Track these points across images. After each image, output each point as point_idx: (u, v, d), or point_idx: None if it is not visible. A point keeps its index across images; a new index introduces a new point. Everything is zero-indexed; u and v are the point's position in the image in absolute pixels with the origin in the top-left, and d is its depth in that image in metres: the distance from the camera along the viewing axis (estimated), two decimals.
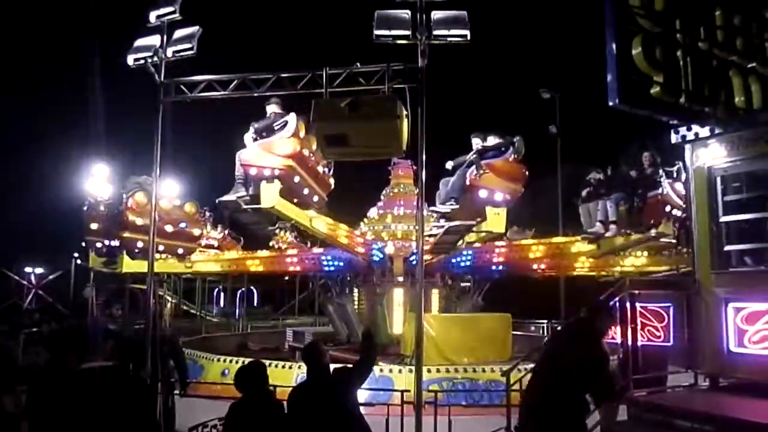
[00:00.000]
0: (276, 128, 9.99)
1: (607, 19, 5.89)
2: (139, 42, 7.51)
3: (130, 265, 13.34)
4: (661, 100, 6.03)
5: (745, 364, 5.81)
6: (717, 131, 6.33)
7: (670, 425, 5.51)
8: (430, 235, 12.82)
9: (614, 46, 5.81)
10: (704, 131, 6.39)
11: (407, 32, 6.47)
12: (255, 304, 43.90)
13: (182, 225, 12.70)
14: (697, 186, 6.51)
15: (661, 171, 11.54)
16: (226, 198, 10.62)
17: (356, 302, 17.27)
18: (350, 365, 4.77)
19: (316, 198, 11.66)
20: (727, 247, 6.29)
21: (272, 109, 10.18)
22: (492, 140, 11.17)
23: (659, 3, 6.18)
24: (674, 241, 12.20)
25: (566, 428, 4.64)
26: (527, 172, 11.16)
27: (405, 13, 6.50)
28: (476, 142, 11.20)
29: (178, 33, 7.48)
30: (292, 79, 7.52)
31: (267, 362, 12.64)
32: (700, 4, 6.59)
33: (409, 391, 7.70)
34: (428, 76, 6.46)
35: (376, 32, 6.49)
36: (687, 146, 6.60)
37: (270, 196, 9.95)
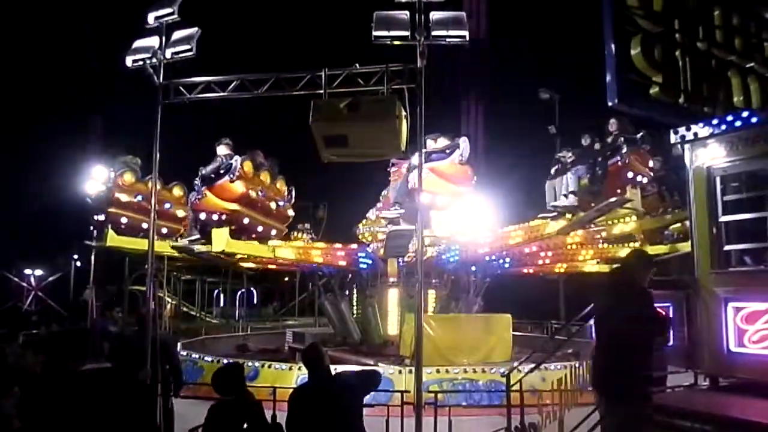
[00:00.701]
0: (222, 172, 10.26)
1: (605, 20, 5.89)
2: (138, 43, 7.49)
3: (114, 240, 13.31)
4: (660, 100, 6.04)
5: (745, 364, 5.80)
6: (716, 131, 6.33)
7: (670, 425, 5.51)
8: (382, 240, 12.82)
9: (613, 46, 5.82)
10: (703, 131, 6.39)
11: (406, 33, 6.46)
12: (255, 305, 43.86)
13: (167, 206, 12.76)
14: (697, 186, 6.50)
15: (621, 138, 11.38)
16: (179, 243, 11.11)
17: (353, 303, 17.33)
18: (354, 371, 4.75)
19: (274, 232, 12.14)
20: (727, 247, 6.29)
21: (221, 150, 10.42)
22: (441, 142, 11.04)
23: (658, 3, 6.19)
24: (641, 209, 11.92)
25: (632, 390, 4.78)
26: (473, 174, 11.01)
27: (404, 14, 6.50)
28: (428, 144, 11.09)
29: (177, 34, 7.47)
30: (291, 80, 7.51)
31: (267, 363, 12.73)
32: (698, 4, 6.60)
33: (408, 391, 7.71)
34: (427, 76, 6.47)
35: (375, 33, 6.49)
36: (686, 146, 6.60)
37: (220, 241, 10.35)
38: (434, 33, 6.47)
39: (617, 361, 4.88)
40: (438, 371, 11.85)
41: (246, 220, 10.89)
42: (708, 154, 6.42)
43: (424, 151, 10.89)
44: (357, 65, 7.31)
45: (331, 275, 17.65)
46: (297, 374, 11.52)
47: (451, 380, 11.66)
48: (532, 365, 8.14)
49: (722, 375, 6.21)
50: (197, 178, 10.40)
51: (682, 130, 6.56)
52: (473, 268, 16.65)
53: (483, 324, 14.81)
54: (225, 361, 13.57)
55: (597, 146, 11.97)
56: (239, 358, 14.18)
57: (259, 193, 11.08)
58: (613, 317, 4.96)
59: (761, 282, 5.89)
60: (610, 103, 5.84)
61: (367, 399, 4.79)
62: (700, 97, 6.34)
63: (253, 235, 11.70)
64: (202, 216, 10.61)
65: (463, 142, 10.78)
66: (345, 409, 4.44)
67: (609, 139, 11.66)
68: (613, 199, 11.27)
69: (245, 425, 4.42)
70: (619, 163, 11.37)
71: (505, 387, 7.89)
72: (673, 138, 6.69)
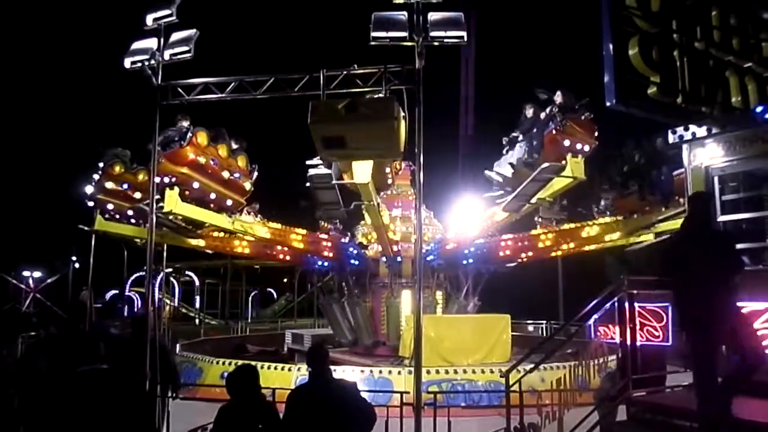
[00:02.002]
0: (177, 139, 11.23)
1: (603, 20, 5.89)
2: (136, 45, 7.49)
3: (102, 224, 13.88)
4: (658, 100, 6.03)
5: None
6: (714, 131, 6.34)
7: (669, 425, 5.51)
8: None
9: (611, 46, 5.81)
10: (701, 131, 6.40)
11: (404, 34, 6.47)
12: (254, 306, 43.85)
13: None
14: (695, 185, 6.51)
15: (555, 107, 11.23)
16: (141, 205, 12.08)
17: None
18: (355, 386, 4.74)
19: (229, 202, 12.93)
20: None
21: (181, 123, 11.40)
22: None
23: (655, 3, 6.18)
24: (583, 177, 11.38)
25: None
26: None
27: (402, 15, 6.50)
28: None
29: (175, 36, 7.47)
30: (290, 82, 7.52)
31: (266, 365, 12.75)
32: (696, 4, 6.60)
33: (408, 392, 7.70)
34: (425, 77, 6.47)
35: (373, 34, 6.49)
36: (684, 146, 6.61)
37: (171, 201, 11.22)
38: (432, 34, 6.47)
39: (707, 298, 5.00)
40: (437, 372, 11.85)
41: (195, 185, 11.74)
42: (706, 153, 6.43)
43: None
44: (355, 66, 7.32)
45: (325, 273, 17.72)
46: (296, 375, 11.52)
47: (450, 381, 11.66)
48: (531, 365, 8.14)
49: (722, 374, 6.21)
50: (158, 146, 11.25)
51: (680, 130, 6.57)
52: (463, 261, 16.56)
53: (482, 325, 14.82)
54: (223, 362, 13.61)
55: (542, 115, 11.88)
56: (238, 359, 14.18)
57: (211, 161, 12.03)
58: (702, 259, 5.07)
59: (760, 281, 5.89)
60: (608, 104, 5.84)
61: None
62: (698, 97, 6.33)
63: (211, 205, 12.64)
64: (157, 180, 11.50)
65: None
66: (341, 413, 4.43)
67: (548, 110, 11.55)
68: (545, 165, 11.03)
69: (260, 426, 4.40)
70: (554, 131, 11.16)
71: (505, 387, 7.89)
72: (671, 138, 6.69)
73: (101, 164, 12.88)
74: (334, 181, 11.11)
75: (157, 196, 11.96)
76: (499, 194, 12.90)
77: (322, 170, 11.07)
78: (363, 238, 17.31)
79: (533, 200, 12.18)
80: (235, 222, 13.68)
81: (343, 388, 4.63)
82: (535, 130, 11.75)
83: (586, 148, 11.11)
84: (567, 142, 10.91)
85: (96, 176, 13.06)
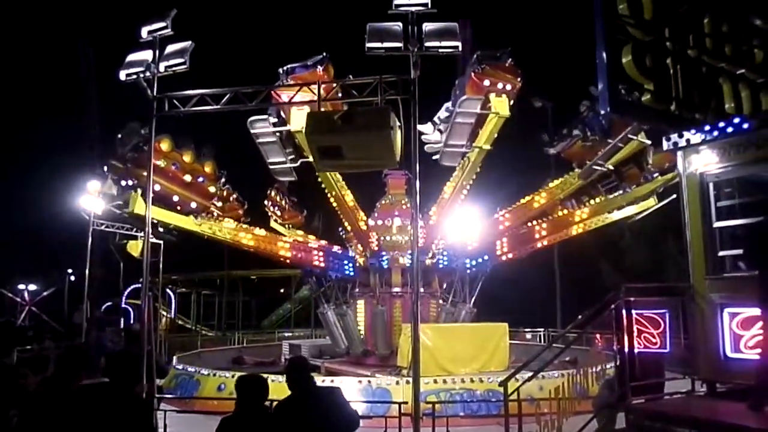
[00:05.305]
0: (141, 145, 11.99)
1: (597, 29, 5.93)
2: (132, 57, 7.52)
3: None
4: (651, 107, 6.07)
5: (741, 370, 5.80)
6: (708, 138, 6.37)
7: None
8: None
9: (605, 55, 5.85)
10: (696, 138, 6.42)
11: (399, 44, 6.52)
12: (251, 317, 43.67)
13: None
14: (690, 192, 6.53)
15: (475, 56, 11.75)
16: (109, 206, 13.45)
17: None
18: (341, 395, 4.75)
19: (194, 204, 13.84)
20: (721, 253, 6.30)
21: (146, 132, 11.66)
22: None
23: (648, 12, 6.23)
24: (507, 113, 11.75)
25: None
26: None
27: (397, 26, 6.55)
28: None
29: (171, 48, 7.50)
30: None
31: (264, 376, 12.74)
32: (688, 12, 6.65)
33: (406, 402, 7.68)
34: (420, 87, 6.50)
35: (369, 45, 6.54)
36: (679, 153, 6.63)
37: (134, 203, 12.25)
38: (427, 44, 6.51)
39: None
40: (435, 381, 11.80)
41: (157, 187, 12.35)
42: (701, 160, 6.45)
43: (288, 66, 11.43)
44: (350, 77, 7.36)
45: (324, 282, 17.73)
46: None
47: (448, 390, 11.60)
48: (530, 374, 8.12)
49: (719, 381, 6.21)
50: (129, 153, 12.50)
51: (674, 137, 6.59)
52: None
53: (479, 333, 14.77)
54: (220, 374, 13.53)
55: None
56: (236, 371, 14.11)
57: (172, 165, 13.10)
58: None
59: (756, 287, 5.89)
60: (602, 111, 5.88)
61: (365, 410, 4.78)
62: (692, 104, 6.37)
63: (178, 207, 13.56)
64: (122, 183, 12.89)
65: (324, 56, 11.34)
66: (327, 422, 4.42)
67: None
68: (463, 98, 11.30)
69: None
70: (473, 74, 11.67)
71: (503, 396, 7.86)
72: (665, 145, 6.72)
73: (119, 135, 13.66)
74: (271, 129, 11.17)
75: (118, 200, 13.10)
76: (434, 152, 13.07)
77: (262, 116, 11.24)
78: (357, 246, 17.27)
79: (471, 148, 12.28)
80: (202, 224, 14.50)
81: (328, 394, 4.62)
82: (457, 83, 12.37)
83: (509, 87, 11.80)
84: (487, 82, 11.64)
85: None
